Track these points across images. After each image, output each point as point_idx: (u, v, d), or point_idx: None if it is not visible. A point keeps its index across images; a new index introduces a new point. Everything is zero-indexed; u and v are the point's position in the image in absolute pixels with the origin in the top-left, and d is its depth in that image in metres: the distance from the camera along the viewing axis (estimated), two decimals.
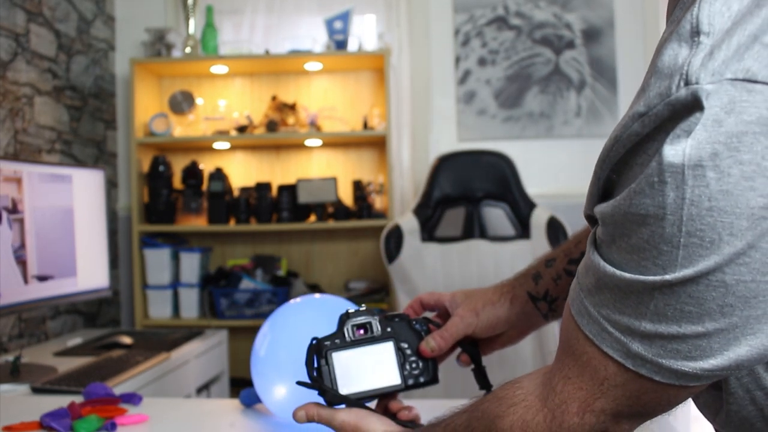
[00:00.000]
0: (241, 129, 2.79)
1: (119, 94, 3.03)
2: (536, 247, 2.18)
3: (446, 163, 2.33)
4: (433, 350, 0.84)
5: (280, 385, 1.03)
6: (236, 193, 2.83)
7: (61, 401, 1.19)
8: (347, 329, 0.82)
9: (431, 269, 2.18)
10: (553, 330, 2.05)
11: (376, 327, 0.83)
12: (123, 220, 2.97)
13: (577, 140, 2.90)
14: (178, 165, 2.90)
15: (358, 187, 2.82)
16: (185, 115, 2.88)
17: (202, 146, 2.94)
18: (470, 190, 2.30)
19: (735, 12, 0.46)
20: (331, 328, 0.84)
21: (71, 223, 1.95)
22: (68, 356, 1.94)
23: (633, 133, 0.48)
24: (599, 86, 2.90)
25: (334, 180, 2.72)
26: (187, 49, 2.78)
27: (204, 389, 2.28)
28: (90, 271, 2.03)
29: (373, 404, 0.84)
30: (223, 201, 2.75)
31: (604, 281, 0.51)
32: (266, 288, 2.74)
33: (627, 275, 0.49)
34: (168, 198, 2.77)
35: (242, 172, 2.99)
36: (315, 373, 0.81)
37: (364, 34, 2.82)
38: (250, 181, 2.93)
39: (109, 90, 2.96)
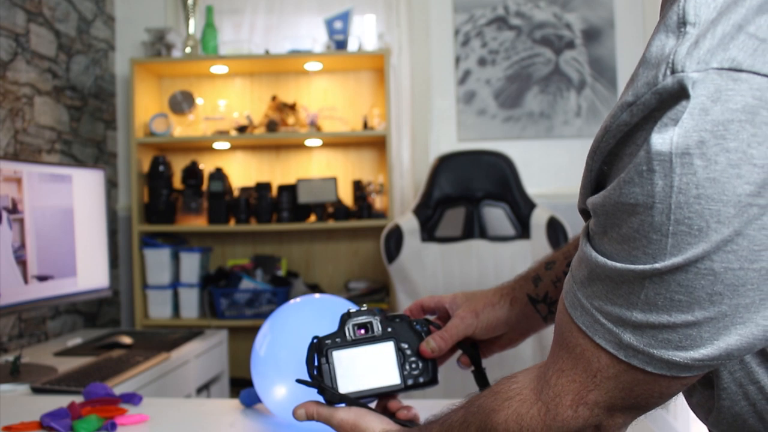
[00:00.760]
0: (241, 129, 2.79)
1: (119, 94, 3.03)
2: (536, 247, 2.18)
3: (446, 163, 2.33)
4: (433, 351, 0.84)
5: (280, 385, 1.03)
6: (236, 193, 2.83)
7: (61, 401, 1.19)
8: (348, 328, 0.83)
9: (431, 269, 2.18)
10: (553, 333, 2.05)
11: (377, 327, 0.83)
12: (123, 220, 2.97)
13: (577, 140, 2.90)
14: (178, 165, 2.90)
15: (358, 187, 2.82)
16: (185, 115, 2.88)
17: (202, 146, 2.94)
18: (470, 190, 2.30)
19: (720, 3, 0.47)
20: (331, 328, 0.84)
21: (71, 223, 1.95)
22: (68, 356, 1.94)
23: (622, 122, 0.49)
24: (599, 86, 2.90)
25: (334, 180, 2.72)
26: (187, 49, 2.78)
27: (204, 389, 2.28)
28: (90, 271, 2.03)
29: (372, 404, 0.84)
30: (223, 201, 2.75)
31: (596, 272, 0.52)
32: (266, 288, 2.74)
33: (618, 265, 0.49)
34: (168, 198, 2.77)
35: (242, 172, 2.99)
36: (315, 372, 0.81)
37: (364, 34, 2.82)
38: (250, 181, 2.93)
39: (109, 90, 2.96)
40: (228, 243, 3.01)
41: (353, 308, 0.84)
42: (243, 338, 2.84)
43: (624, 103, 0.48)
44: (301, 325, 1.02)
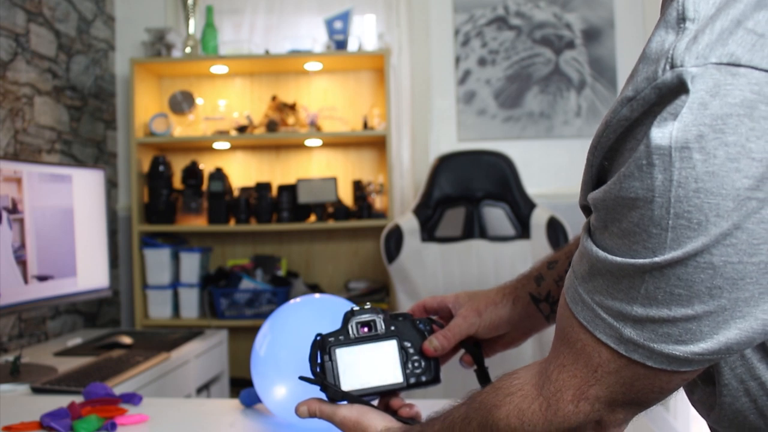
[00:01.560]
0: (241, 129, 2.79)
1: (119, 94, 3.02)
2: (536, 247, 2.18)
3: (446, 163, 2.32)
4: (436, 349, 0.84)
5: (280, 385, 1.03)
6: (236, 193, 2.83)
7: (61, 401, 1.19)
8: (351, 326, 0.83)
9: (431, 269, 2.18)
10: (553, 332, 2.05)
11: (380, 325, 0.83)
12: (123, 220, 2.97)
13: (577, 140, 2.90)
14: (178, 165, 2.90)
15: (358, 187, 2.82)
16: (185, 115, 2.88)
17: (202, 146, 2.94)
18: (470, 190, 2.30)
19: None
20: (331, 328, 0.84)
21: (71, 223, 1.94)
22: (68, 356, 1.94)
23: (622, 117, 0.49)
24: (599, 86, 2.90)
25: (334, 180, 2.72)
26: (187, 49, 2.78)
27: (204, 389, 2.28)
28: (90, 271, 2.02)
29: (375, 401, 0.84)
30: (223, 201, 2.75)
31: (597, 267, 0.52)
32: (266, 288, 2.74)
33: (618, 259, 0.50)
34: (168, 198, 2.77)
35: (242, 172, 2.99)
36: (318, 369, 0.81)
37: (364, 34, 2.82)
38: (250, 181, 2.92)
39: (109, 90, 2.96)
40: (228, 243, 3.01)
41: (357, 307, 0.84)
42: (243, 338, 2.84)
43: (624, 98, 0.49)
44: (301, 325, 1.02)
